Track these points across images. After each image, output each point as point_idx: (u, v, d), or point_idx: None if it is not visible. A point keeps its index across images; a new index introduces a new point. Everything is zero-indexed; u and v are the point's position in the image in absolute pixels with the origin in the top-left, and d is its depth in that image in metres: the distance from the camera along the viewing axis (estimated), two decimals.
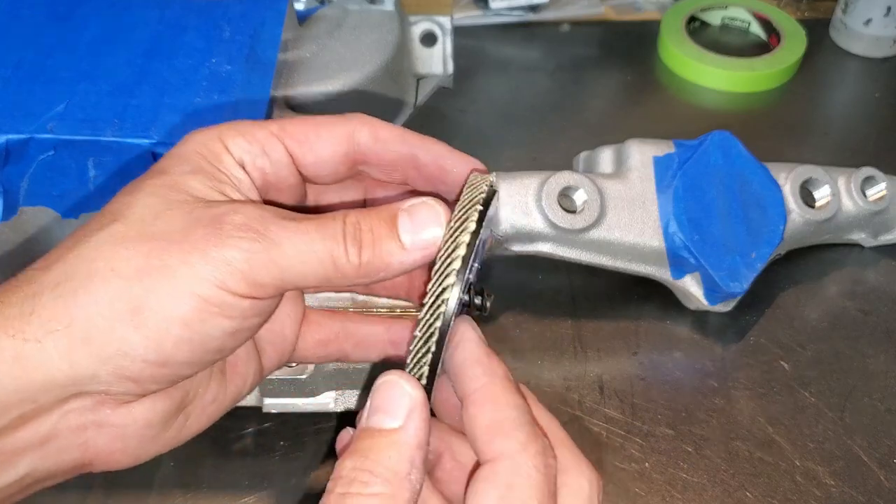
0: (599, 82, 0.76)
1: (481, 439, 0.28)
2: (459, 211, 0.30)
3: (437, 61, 0.67)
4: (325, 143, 0.32)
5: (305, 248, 0.28)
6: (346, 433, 0.31)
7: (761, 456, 0.48)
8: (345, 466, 0.27)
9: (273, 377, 0.46)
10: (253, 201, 0.30)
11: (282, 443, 0.48)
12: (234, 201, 0.29)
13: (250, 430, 0.49)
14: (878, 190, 0.57)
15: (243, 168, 0.31)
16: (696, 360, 0.53)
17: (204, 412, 0.32)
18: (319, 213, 0.31)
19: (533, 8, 0.81)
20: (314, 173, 0.33)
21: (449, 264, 0.29)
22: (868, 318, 0.56)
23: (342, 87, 0.58)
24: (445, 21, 0.65)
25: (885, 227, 0.59)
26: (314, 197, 0.36)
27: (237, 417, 0.49)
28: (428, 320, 0.29)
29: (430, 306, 0.29)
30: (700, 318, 0.55)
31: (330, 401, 0.48)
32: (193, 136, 0.31)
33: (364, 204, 0.37)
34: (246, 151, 0.31)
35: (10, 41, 0.50)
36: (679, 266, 0.53)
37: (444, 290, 0.29)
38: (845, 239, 0.59)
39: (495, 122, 0.71)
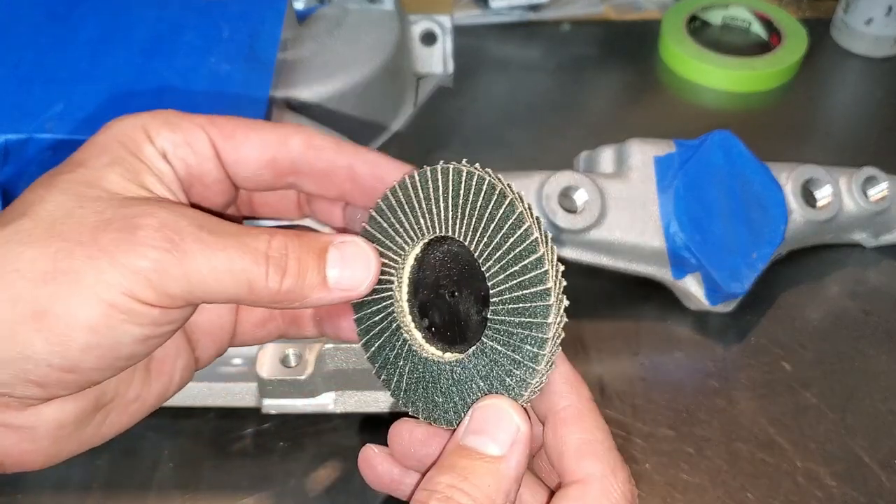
0: (600, 82, 0.76)
1: (570, 459, 0.28)
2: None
3: (437, 60, 0.67)
4: (252, 143, 0.31)
5: (221, 267, 0.26)
6: (371, 451, 0.32)
7: (762, 457, 0.48)
8: (440, 482, 0.26)
9: (272, 378, 0.45)
10: (173, 202, 0.29)
11: (281, 443, 0.48)
12: (151, 200, 0.28)
13: (249, 430, 0.48)
14: (879, 190, 0.57)
15: (165, 158, 0.29)
16: (697, 361, 0.53)
17: (126, 411, 0.31)
18: (252, 220, 0.30)
19: (533, 7, 0.80)
20: (238, 174, 0.31)
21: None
22: (869, 318, 0.56)
23: (342, 87, 0.58)
24: (445, 20, 0.65)
25: (886, 227, 0.59)
26: (249, 204, 0.35)
27: (236, 418, 0.49)
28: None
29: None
30: (701, 319, 0.55)
31: (329, 401, 0.47)
32: (115, 123, 0.30)
33: (300, 212, 0.36)
34: (169, 141, 0.30)
35: (9, 41, 0.50)
36: (680, 266, 0.53)
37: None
38: (846, 239, 0.59)
39: (495, 121, 0.71)
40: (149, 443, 0.48)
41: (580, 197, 0.51)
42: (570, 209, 0.51)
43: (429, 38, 0.65)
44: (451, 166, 0.29)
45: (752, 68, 0.74)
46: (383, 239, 0.30)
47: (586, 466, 0.28)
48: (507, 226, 0.27)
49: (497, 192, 0.27)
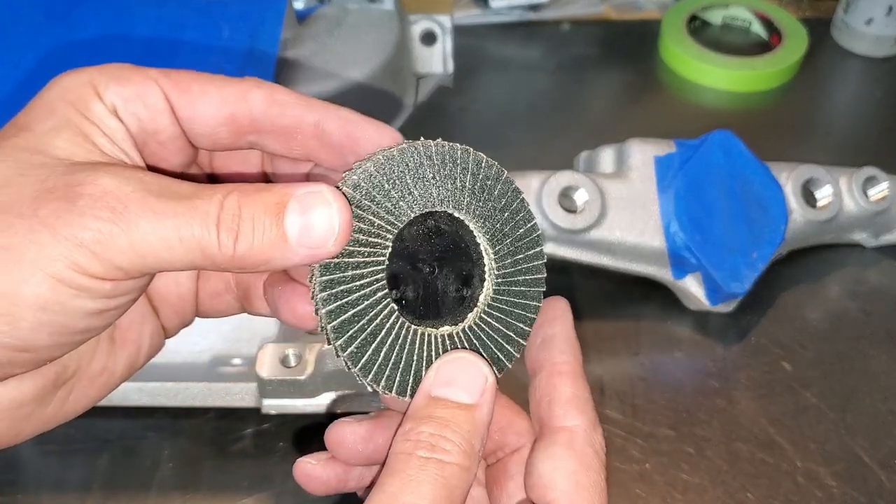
0: (600, 81, 0.76)
1: (560, 407, 0.30)
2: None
3: (437, 60, 0.67)
4: (209, 97, 0.28)
5: (170, 234, 0.24)
6: (308, 465, 0.33)
7: (763, 457, 0.48)
8: (423, 431, 0.27)
9: (272, 378, 0.45)
10: (122, 166, 0.27)
11: (281, 444, 0.48)
12: (98, 165, 0.26)
13: (249, 431, 0.48)
14: (879, 190, 0.57)
15: (116, 115, 0.28)
16: (697, 361, 0.53)
17: (92, 385, 0.30)
18: (213, 182, 0.28)
19: (533, 7, 0.80)
20: (194, 130, 0.29)
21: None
22: (869, 318, 0.56)
23: (342, 86, 0.58)
24: (445, 20, 0.65)
25: (886, 227, 0.59)
26: (210, 163, 0.33)
27: (236, 418, 0.49)
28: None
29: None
30: (701, 319, 0.55)
31: (329, 402, 0.47)
32: (61, 79, 0.28)
33: (265, 179, 0.33)
34: (119, 96, 0.28)
35: (9, 41, 0.50)
36: (680, 266, 0.53)
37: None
38: (847, 239, 0.59)
39: (495, 121, 0.71)
40: (149, 443, 0.48)
41: (580, 197, 0.51)
42: (570, 209, 0.51)
43: (429, 38, 0.65)
44: (451, 143, 0.28)
45: (753, 68, 0.74)
46: (368, 203, 0.27)
47: (574, 417, 0.30)
48: (519, 216, 0.29)
49: (505, 176, 0.29)
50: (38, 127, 0.27)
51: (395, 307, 0.28)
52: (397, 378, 0.29)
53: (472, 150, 0.29)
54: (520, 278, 0.30)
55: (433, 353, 0.29)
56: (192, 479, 0.46)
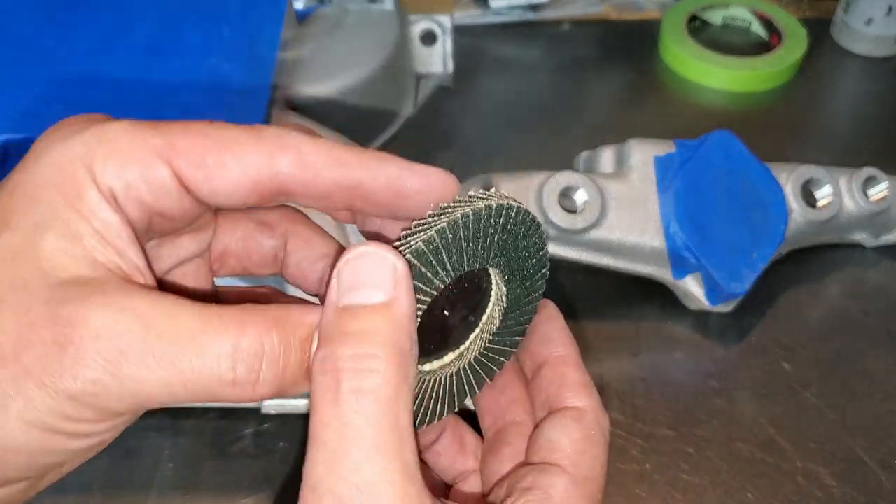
0: (600, 82, 0.76)
1: (570, 390, 0.31)
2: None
3: (436, 60, 0.67)
4: (228, 171, 0.24)
5: (173, 380, 0.22)
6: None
7: (763, 457, 0.48)
8: (341, 356, 0.23)
9: None
10: (116, 283, 0.23)
11: (281, 444, 0.48)
12: (88, 289, 0.22)
13: (249, 430, 0.48)
14: (879, 190, 0.57)
15: (115, 201, 0.24)
16: (697, 361, 0.53)
17: (82, 458, 0.26)
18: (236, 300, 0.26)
19: (533, 7, 0.80)
20: (213, 202, 0.25)
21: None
22: (869, 318, 0.56)
23: (342, 87, 0.58)
24: (445, 20, 0.65)
25: (886, 227, 0.59)
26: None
27: (236, 418, 0.49)
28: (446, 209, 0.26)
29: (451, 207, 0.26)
30: (701, 319, 0.55)
31: None
32: (51, 149, 0.24)
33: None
34: (118, 179, 0.23)
35: (9, 41, 0.50)
36: (680, 266, 0.53)
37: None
38: (847, 239, 0.59)
39: (495, 121, 0.71)
40: (149, 443, 0.48)
41: (580, 197, 0.51)
42: (570, 209, 0.51)
43: (429, 38, 0.65)
44: (496, 204, 0.26)
45: (753, 68, 0.74)
46: (420, 266, 0.25)
47: (583, 399, 0.31)
48: (538, 256, 0.30)
49: (537, 229, 0.29)
50: (21, 223, 0.23)
51: None
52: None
53: (515, 206, 0.27)
54: (524, 299, 0.31)
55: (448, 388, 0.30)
56: (193, 479, 0.46)
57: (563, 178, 0.51)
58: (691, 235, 0.51)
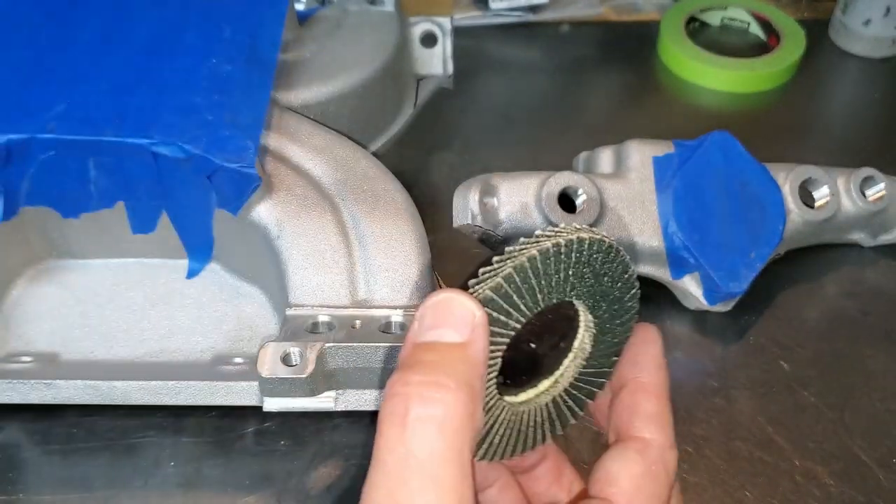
0: (599, 83, 0.76)
1: (641, 420, 0.30)
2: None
3: (436, 62, 0.67)
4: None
5: None
6: None
7: (761, 456, 0.48)
8: (412, 381, 0.24)
9: (273, 377, 0.45)
10: None
11: (282, 442, 0.48)
12: None
13: (251, 429, 0.49)
14: (877, 190, 0.57)
15: None
16: (695, 360, 0.53)
17: None
18: None
19: (533, 8, 0.81)
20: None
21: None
22: (867, 317, 0.56)
23: (342, 88, 0.58)
24: (445, 22, 0.65)
25: (884, 227, 0.59)
26: None
27: (237, 417, 0.49)
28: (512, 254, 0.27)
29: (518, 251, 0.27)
30: (699, 318, 0.55)
31: (330, 400, 0.48)
32: None
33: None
34: None
35: (9, 41, 0.50)
36: (678, 266, 0.53)
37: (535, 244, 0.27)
38: (844, 239, 0.59)
39: (495, 122, 0.71)
40: (150, 442, 0.48)
41: (579, 197, 0.51)
42: (570, 209, 0.51)
43: (429, 40, 0.66)
44: (565, 240, 0.28)
45: (751, 69, 0.74)
46: (497, 316, 0.26)
47: (652, 431, 0.30)
48: (623, 279, 0.30)
49: (627, 266, 0.30)
50: None
51: (497, 392, 0.28)
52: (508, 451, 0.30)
53: (588, 238, 0.29)
54: (615, 321, 0.31)
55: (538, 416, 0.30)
56: (193, 477, 0.47)
57: (563, 179, 0.51)
58: (690, 235, 0.51)
